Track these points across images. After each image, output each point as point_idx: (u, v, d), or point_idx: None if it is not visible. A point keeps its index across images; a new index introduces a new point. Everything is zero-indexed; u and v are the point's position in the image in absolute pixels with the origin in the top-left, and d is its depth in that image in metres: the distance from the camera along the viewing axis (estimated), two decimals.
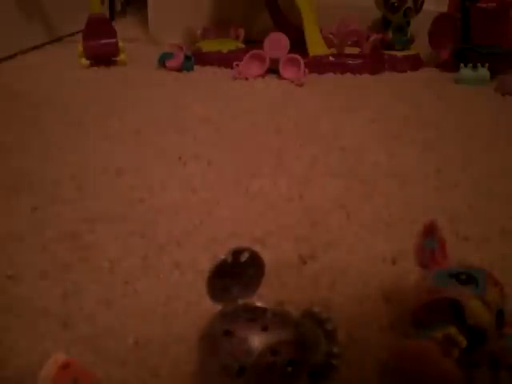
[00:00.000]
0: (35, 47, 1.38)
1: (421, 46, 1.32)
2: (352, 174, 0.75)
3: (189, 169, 0.76)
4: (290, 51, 1.17)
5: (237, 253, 0.38)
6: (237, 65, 1.17)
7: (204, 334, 0.37)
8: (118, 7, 1.89)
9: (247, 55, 1.18)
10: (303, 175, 0.74)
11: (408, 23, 1.31)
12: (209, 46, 1.30)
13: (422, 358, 0.37)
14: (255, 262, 0.39)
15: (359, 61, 1.23)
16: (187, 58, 1.22)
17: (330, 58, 1.23)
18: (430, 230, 0.46)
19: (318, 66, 1.21)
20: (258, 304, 0.38)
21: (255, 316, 0.36)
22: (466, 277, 0.41)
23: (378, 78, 1.22)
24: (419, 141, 0.86)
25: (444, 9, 1.31)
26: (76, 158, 0.78)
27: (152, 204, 0.66)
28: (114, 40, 1.23)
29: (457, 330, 0.37)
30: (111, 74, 1.20)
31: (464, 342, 0.37)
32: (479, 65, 1.16)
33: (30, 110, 0.97)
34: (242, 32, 1.35)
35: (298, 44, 1.20)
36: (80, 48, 1.22)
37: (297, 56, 1.16)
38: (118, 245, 0.58)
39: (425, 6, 1.29)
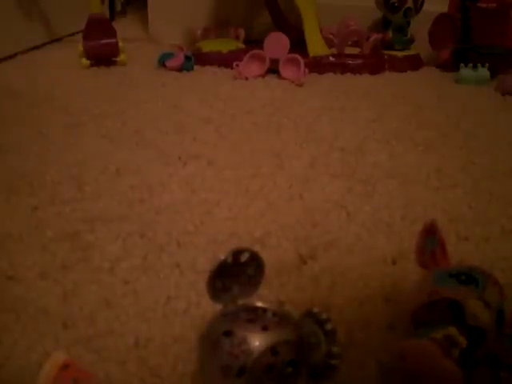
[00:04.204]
0: (35, 47, 1.38)
1: (421, 46, 1.31)
2: (352, 174, 0.75)
3: (189, 169, 0.76)
4: (290, 51, 1.17)
5: (237, 253, 0.38)
6: (237, 65, 1.17)
7: (204, 333, 0.37)
8: (118, 7, 1.89)
9: (247, 55, 1.18)
10: (303, 175, 0.74)
11: (408, 23, 1.30)
12: (209, 46, 1.30)
13: (422, 357, 0.37)
14: (255, 262, 0.39)
15: (359, 61, 1.23)
16: (187, 58, 1.22)
17: (330, 58, 1.22)
18: (431, 230, 0.46)
19: (318, 65, 1.21)
20: (258, 304, 0.38)
21: (255, 316, 0.36)
22: (466, 277, 0.41)
23: (378, 77, 1.22)
24: (419, 141, 0.86)
25: (444, 9, 1.31)
26: (76, 157, 0.78)
27: (152, 204, 0.66)
28: (114, 40, 1.23)
29: (457, 330, 0.37)
30: (111, 73, 1.20)
31: (464, 342, 0.37)
32: (479, 65, 1.16)
33: (29, 109, 0.97)
34: (242, 32, 1.35)
35: (298, 44, 1.20)
36: (80, 48, 1.21)
37: (297, 56, 1.16)
38: (118, 245, 0.58)
39: (425, 6, 1.29)
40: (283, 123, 0.93)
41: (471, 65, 1.16)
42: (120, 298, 0.50)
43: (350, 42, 1.28)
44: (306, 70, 1.15)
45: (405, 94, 1.10)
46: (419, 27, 1.30)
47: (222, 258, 0.37)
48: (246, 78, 1.17)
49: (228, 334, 0.35)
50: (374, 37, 1.25)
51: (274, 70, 1.18)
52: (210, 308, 0.40)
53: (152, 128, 0.89)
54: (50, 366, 0.34)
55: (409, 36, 1.31)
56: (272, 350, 0.34)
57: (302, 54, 1.18)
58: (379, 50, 1.28)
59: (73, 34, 1.51)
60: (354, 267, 0.55)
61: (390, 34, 1.30)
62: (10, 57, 1.28)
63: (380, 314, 0.48)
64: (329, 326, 0.36)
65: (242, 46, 1.32)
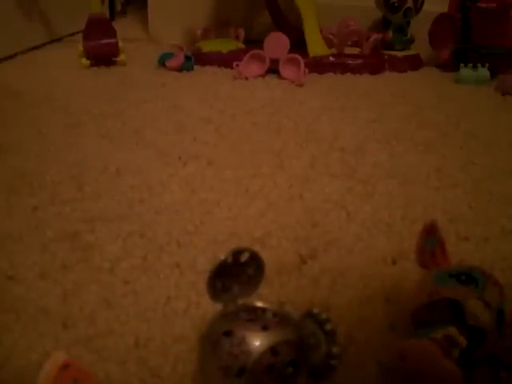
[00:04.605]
0: (35, 47, 1.38)
1: (421, 46, 1.32)
2: (352, 174, 0.75)
3: (189, 169, 0.76)
4: (290, 51, 1.17)
5: (237, 253, 0.38)
6: (237, 65, 1.17)
7: (204, 334, 0.37)
8: (118, 7, 1.89)
9: (247, 55, 1.18)
10: (303, 175, 0.74)
11: (408, 23, 1.31)
12: (209, 46, 1.30)
13: (422, 357, 0.37)
14: (255, 262, 0.39)
15: (359, 61, 1.23)
16: (187, 58, 1.22)
17: (330, 58, 1.23)
18: (430, 230, 0.46)
19: (318, 65, 1.21)
20: (258, 304, 0.38)
21: (255, 316, 0.36)
22: (466, 277, 0.41)
23: (378, 78, 1.22)
24: (419, 141, 0.86)
25: (444, 9, 1.31)
26: (76, 157, 0.78)
27: (152, 204, 0.66)
28: (114, 40, 1.23)
29: (457, 330, 0.37)
30: (111, 73, 1.20)
31: (464, 342, 0.37)
32: (479, 65, 1.16)
33: (29, 109, 0.97)
34: (242, 32, 1.35)
35: (298, 44, 1.20)
36: (80, 48, 1.22)
37: (297, 56, 1.16)
38: (118, 245, 0.58)
39: (425, 6, 1.29)
40: (283, 123, 0.93)
41: (471, 65, 1.16)
42: (120, 297, 0.50)
43: (349, 42, 1.28)
44: (306, 70, 1.15)
45: (405, 93, 1.10)
46: (419, 27, 1.30)
47: (222, 258, 0.37)
48: (246, 78, 1.17)
49: (228, 333, 0.35)
50: (374, 37, 1.25)
51: (274, 69, 1.18)
52: (210, 308, 0.40)
53: (152, 128, 0.89)
54: (50, 366, 0.34)
55: (409, 36, 1.31)
56: (272, 350, 0.34)
57: (302, 54, 1.18)
58: (379, 50, 1.28)
59: (73, 34, 1.51)
60: (354, 267, 0.55)
61: (390, 33, 1.30)
62: (10, 57, 1.28)
63: (380, 314, 0.48)
64: (329, 327, 0.36)
65: (241, 45, 1.32)
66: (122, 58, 1.25)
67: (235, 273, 0.38)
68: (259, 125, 0.92)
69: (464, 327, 0.38)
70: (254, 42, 1.29)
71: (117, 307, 0.49)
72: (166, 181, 0.71)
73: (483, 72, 1.16)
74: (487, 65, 1.16)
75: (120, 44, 1.24)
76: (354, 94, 1.09)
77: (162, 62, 1.23)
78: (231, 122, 0.93)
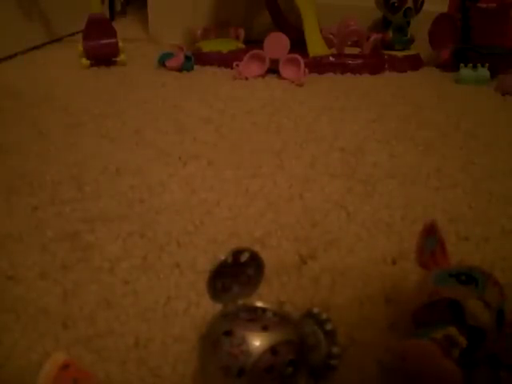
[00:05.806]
0: (35, 47, 1.38)
1: (421, 46, 1.32)
2: (352, 174, 0.75)
3: (189, 169, 0.76)
4: (290, 51, 1.17)
5: (237, 253, 0.38)
6: (237, 65, 1.17)
7: (204, 333, 0.37)
8: (118, 7, 1.89)
9: (247, 55, 1.18)
10: (303, 175, 0.74)
11: (408, 23, 1.31)
12: (209, 46, 1.30)
13: (422, 357, 0.37)
14: (255, 262, 0.39)
15: (359, 61, 1.23)
16: (187, 58, 1.22)
17: (330, 58, 1.23)
18: (430, 230, 0.46)
19: (318, 65, 1.21)
20: (258, 304, 0.38)
21: (255, 316, 0.36)
22: (466, 277, 0.41)
23: (377, 78, 1.22)
24: (419, 141, 0.86)
25: (444, 9, 1.31)
26: (76, 157, 0.78)
27: (152, 204, 0.66)
28: (114, 40, 1.23)
29: (457, 330, 0.37)
30: (111, 73, 1.20)
31: (464, 342, 0.37)
32: (479, 65, 1.16)
33: (29, 109, 0.97)
34: (242, 32, 1.35)
35: (298, 44, 1.20)
36: (80, 48, 1.22)
37: (297, 56, 1.16)
38: (118, 245, 0.58)
39: (425, 6, 1.29)
40: (283, 123, 0.93)
41: (471, 65, 1.16)
42: (120, 297, 0.50)
43: (349, 42, 1.28)
44: (306, 70, 1.15)
45: (405, 94, 1.10)
46: (419, 27, 1.30)
47: (222, 258, 0.37)
48: (246, 78, 1.17)
49: (228, 333, 0.35)
50: (374, 37, 1.25)
51: (274, 70, 1.18)
52: (210, 308, 0.40)
53: (152, 128, 0.89)
54: (50, 366, 0.34)
55: (409, 36, 1.31)
56: (272, 350, 0.34)
57: (302, 54, 1.18)
58: (379, 50, 1.28)
59: (73, 34, 1.51)
60: (354, 267, 0.55)
61: (390, 33, 1.30)
62: (10, 57, 1.28)
63: (380, 314, 0.48)
64: (329, 327, 0.36)
65: (241, 46, 1.32)
66: (122, 57, 1.25)
67: (235, 273, 0.38)
68: (259, 125, 0.92)
69: (464, 327, 0.38)
70: (254, 42, 1.29)
71: (117, 307, 0.49)
72: (166, 181, 0.71)
73: (483, 72, 1.16)
74: (487, 65, 1.16)
75: (120, 44, 1.24)
76: (353, 94, 1.09)
77: (162, 62, 1.23)
78: (231, 122, 0.93)
